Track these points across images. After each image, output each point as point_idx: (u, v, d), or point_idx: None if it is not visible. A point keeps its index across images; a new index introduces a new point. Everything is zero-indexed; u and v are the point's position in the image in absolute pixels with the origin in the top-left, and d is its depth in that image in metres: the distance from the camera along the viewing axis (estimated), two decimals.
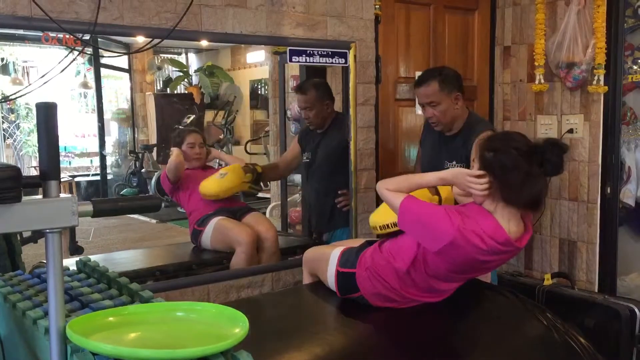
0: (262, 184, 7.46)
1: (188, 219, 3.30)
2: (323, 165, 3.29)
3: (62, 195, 1.14)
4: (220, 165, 3.83)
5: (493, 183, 1.93)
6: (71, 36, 2.14)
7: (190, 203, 3.28)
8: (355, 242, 2.40)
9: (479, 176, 1.96)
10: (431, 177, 2.14)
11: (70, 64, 2.10)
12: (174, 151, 3.34)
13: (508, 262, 3.55)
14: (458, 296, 2.29)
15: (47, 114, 1.12)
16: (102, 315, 1.28)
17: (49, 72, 2.09)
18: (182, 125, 6.99)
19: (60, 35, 2.19)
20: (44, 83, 2.12)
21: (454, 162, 2.64)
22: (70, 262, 1.84)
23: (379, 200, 2.49)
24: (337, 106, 3.28)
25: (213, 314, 1.28)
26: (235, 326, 1.20)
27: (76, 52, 2.17)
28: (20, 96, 2.23)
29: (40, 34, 2.19)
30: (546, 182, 1.98)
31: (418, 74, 2.95)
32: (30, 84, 2.14)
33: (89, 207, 1.18)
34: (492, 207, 1.96)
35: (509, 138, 2.01)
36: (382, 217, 2.27)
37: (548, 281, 3.10)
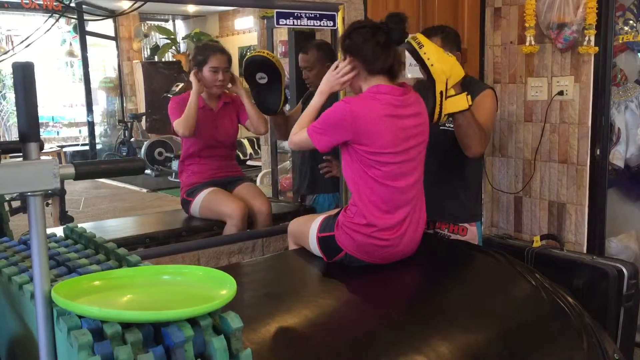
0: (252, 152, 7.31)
1: (179, 176, 3.14)
2: None
3: (43, 157, 1.12)
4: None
5: (357, 63, 2.18)
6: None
7: (188, 154, 3.09)
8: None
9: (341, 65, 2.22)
10: (315, 98, 2.31)
11: (51, 27, 2.05)
12: (193, 83, 2.92)
13: (498, 225, 3.57)
14: (447, 257, 2.31)
15: (24, 74, 1.09)
16: (88, 279, 1.26)
17: (31, 35, 2.04)
18: (171, 94, 6.88)
19: (40, 1, 2.14)
20: (26, 47, 2.07)
21: (450, 124, 2.59)
22: (59, 230, 1.82)
23: None
24: None
25: (200, 277, 1.27)
26: (222, 288, 1.19)
27: (57, 16, 2.11)
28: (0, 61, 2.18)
29: None
30: (397, 50, 2.22)
31: None
32: (12, 48, 2.09)
33: (70, 169, 1.15)
34: (366, 86, 2.19)
35: (357, 23, 2.32)
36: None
37: (537, 243, 3.12)
